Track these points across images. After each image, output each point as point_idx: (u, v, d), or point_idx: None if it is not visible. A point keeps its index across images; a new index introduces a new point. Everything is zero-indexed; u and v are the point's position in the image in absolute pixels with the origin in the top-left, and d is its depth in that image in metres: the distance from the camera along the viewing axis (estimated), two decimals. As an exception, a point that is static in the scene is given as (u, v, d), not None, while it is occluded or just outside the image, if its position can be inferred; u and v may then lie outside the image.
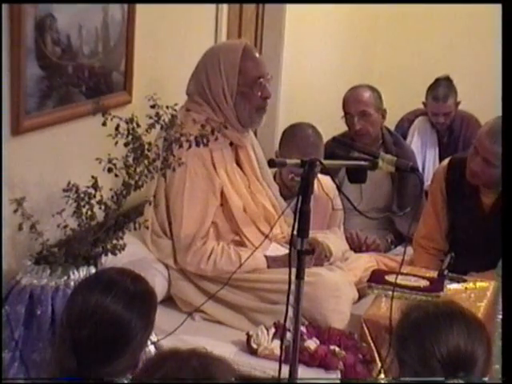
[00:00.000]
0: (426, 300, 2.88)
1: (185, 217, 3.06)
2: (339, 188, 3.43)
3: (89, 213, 2.65)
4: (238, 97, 3.15)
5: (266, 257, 3.14)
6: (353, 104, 4.09)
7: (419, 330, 1.89)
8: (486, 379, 1.89)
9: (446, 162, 3.65)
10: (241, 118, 3.18)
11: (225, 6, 4.03)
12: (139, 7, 3.18)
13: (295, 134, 3.57)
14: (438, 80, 4.78)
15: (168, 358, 1.64)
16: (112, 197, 2.68)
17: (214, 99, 3.15)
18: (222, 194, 3.16)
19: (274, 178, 3.61)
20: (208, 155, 3.11)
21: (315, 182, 3.01)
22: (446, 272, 3.16)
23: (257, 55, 3.24)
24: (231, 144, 3.25)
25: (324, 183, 3.37)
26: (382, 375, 2.66)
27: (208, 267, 3.06)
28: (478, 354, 1.85)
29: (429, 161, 4.77)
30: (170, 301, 3.12)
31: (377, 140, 4.10)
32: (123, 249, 2.73)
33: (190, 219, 3.07)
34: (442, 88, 4.72)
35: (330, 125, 4.26)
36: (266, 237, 2.99)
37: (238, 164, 3.30)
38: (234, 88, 3.14)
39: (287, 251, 3.06)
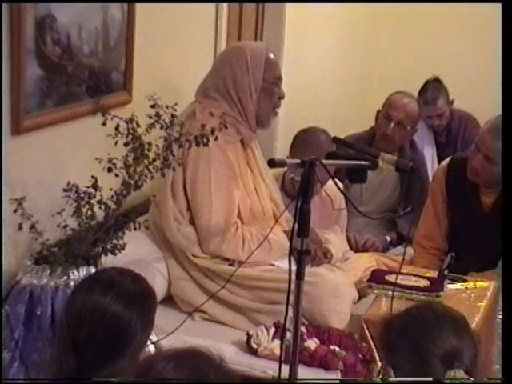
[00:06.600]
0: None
1: (214, 205, 3.09)
2: (340, 188, 3.42)
3: (89, 213, 2.65)
4: (262, 93, 3.23)
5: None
6: (399, 111, 4.03)
7: (410, 336, 1.89)
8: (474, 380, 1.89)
9: (446, 161, 3.65)
10: (260, 115, 3.24)
11: (225, 6, 4.03)
12: (139, 7, 3.18)
13: (310, 141, 3.56)
14: (426, 83, 4.77)
15: (166, 357, 1.62)
16: (112, 197, 2.68)
17: (237, 94, 3.19)
18: None
19: (283, 179, 3.62)
20: (226, 146, 3.14)
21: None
22: (446, 272, 3.15)
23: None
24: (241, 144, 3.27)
25: (328, 184, 3.36)
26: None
27: (244, 253, 3.08)
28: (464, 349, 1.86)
29: (427, 160, 4.77)
30: (169, 301, 3.12)
31: (396, 148, 4.08)
32: (123, 249, 2.73)
33: (220, 207, 3.10)
34: (430, 91, 4.71)
35: (330, 125, 4.26)
36: (265, 238, 2.97)
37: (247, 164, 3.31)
38: (259, 83, 3.21)
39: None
